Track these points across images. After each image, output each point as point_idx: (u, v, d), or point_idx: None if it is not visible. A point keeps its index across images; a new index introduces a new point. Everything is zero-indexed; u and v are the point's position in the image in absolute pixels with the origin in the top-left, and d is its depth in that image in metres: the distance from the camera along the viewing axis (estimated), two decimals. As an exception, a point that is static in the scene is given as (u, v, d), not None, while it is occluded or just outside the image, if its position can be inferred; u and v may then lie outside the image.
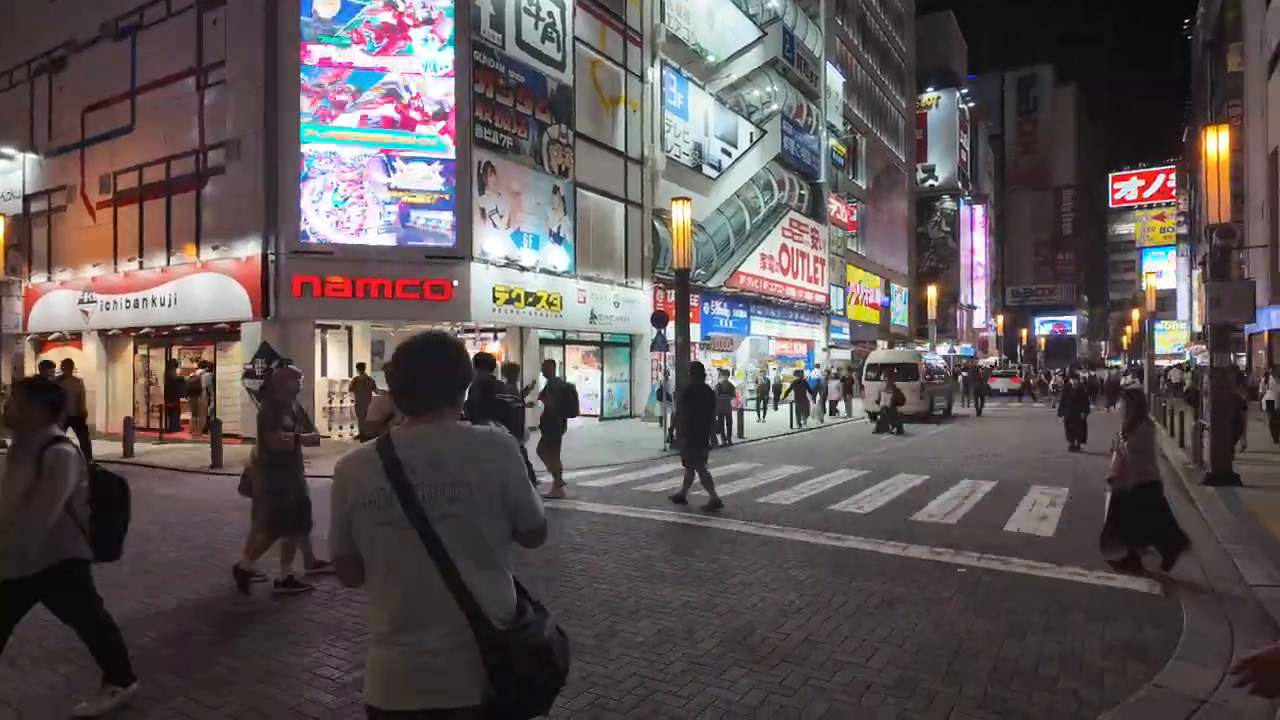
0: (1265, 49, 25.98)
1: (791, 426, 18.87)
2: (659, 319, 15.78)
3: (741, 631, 4.57)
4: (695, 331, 20.09)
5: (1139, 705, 3.53)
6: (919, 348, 34.65)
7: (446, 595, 1.67)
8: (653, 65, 20.95)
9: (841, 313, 35.03)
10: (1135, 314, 47.77)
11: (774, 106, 27.67)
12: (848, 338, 35.81)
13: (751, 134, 26.09)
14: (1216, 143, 10.04)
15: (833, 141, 33.42)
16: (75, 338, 18.01)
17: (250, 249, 14.35)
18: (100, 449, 12.62)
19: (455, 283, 14.77)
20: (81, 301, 17.20)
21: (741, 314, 25.35)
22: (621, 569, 5.98)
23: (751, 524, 7.61)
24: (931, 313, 39.41)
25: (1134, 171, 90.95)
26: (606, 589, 5.45)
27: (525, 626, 1.74)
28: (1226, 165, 10.20)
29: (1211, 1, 41.70)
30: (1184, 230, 62.88)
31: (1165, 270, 67.70)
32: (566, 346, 19.06)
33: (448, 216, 14.85)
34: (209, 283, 14.94)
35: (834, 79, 33.84)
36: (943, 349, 47.06)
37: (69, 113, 18.12)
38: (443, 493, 1.70)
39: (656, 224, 20.88)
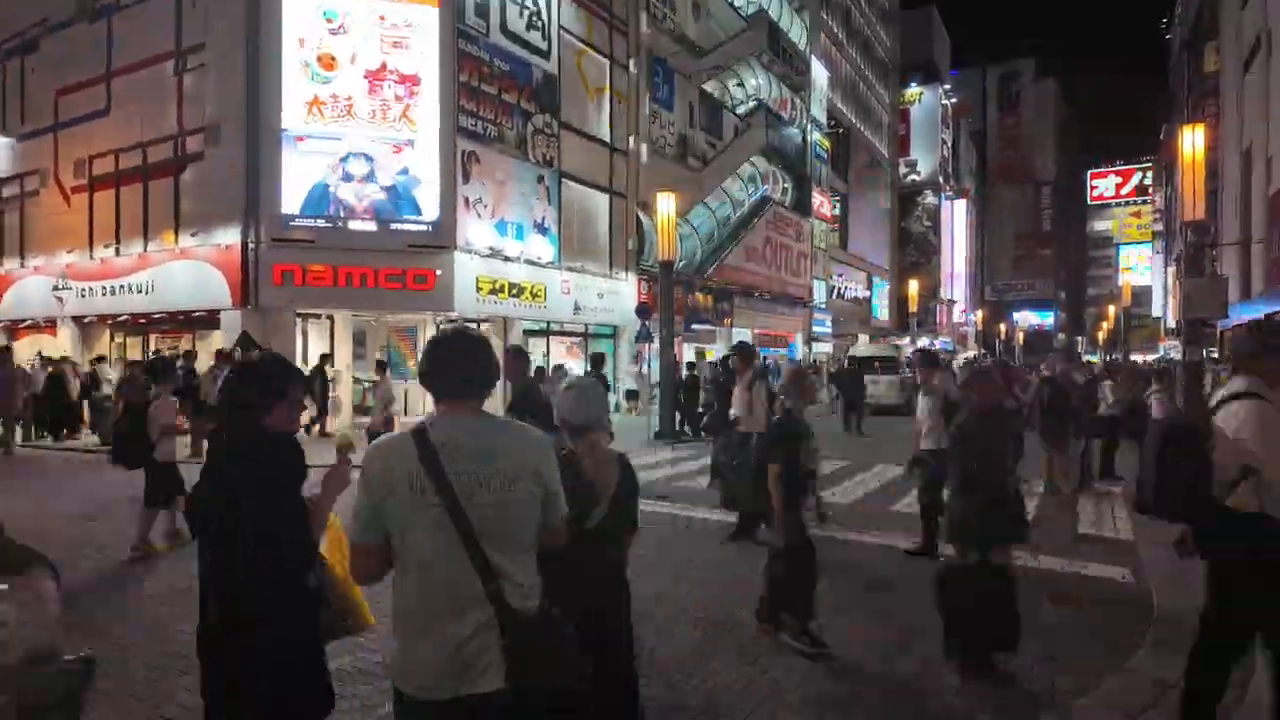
0: (1241, 48, 26.36)
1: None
2: (643, 310, 15.81)
3: (725, 621, 4.63)
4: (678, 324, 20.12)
5: (1112, 690, 3.63)
6: (899, 341, 34.95)
7: (477, 582, 1.71)
8: (638, 55, 20.89)
9: (824, 305, 35.23)
10: (1111, 309, 48.45)
11: (759, 99, 27.70)
12: (829, 331, 36.05)
13: (736, 126, 26.10)
14: (1193, 141, 10.22)
15: (817, 135, 33.52)
16: (50, 325, 17.69)
17: (230, 236, 14.17)
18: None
19: (439, 272, 14.67)
20: (56, 288, 16.88)
21: (725, 306, 25.43)
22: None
23: (733, 514, 7.66)
24: (912, 307, 39.74)
25: (1112, 168, 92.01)
26: (591, 578, 5.48)
27: (545, 613, 1.80)
28: (1202, 163, 10.41)
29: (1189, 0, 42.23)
30: (1159, 227, 63.81)
31: (1141, 265, 68.75)
32: (550, 338, 19.03)
33: (431, 205, 14.74)
34: (188, 270, 14.74)
35: (818, 73, 33.91)
36: (922, 342, 47.45)
37: (42, 95, 17.74)
38: (481, 482, 1.74)
39: (641, 215, 20.85)
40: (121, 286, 15.69)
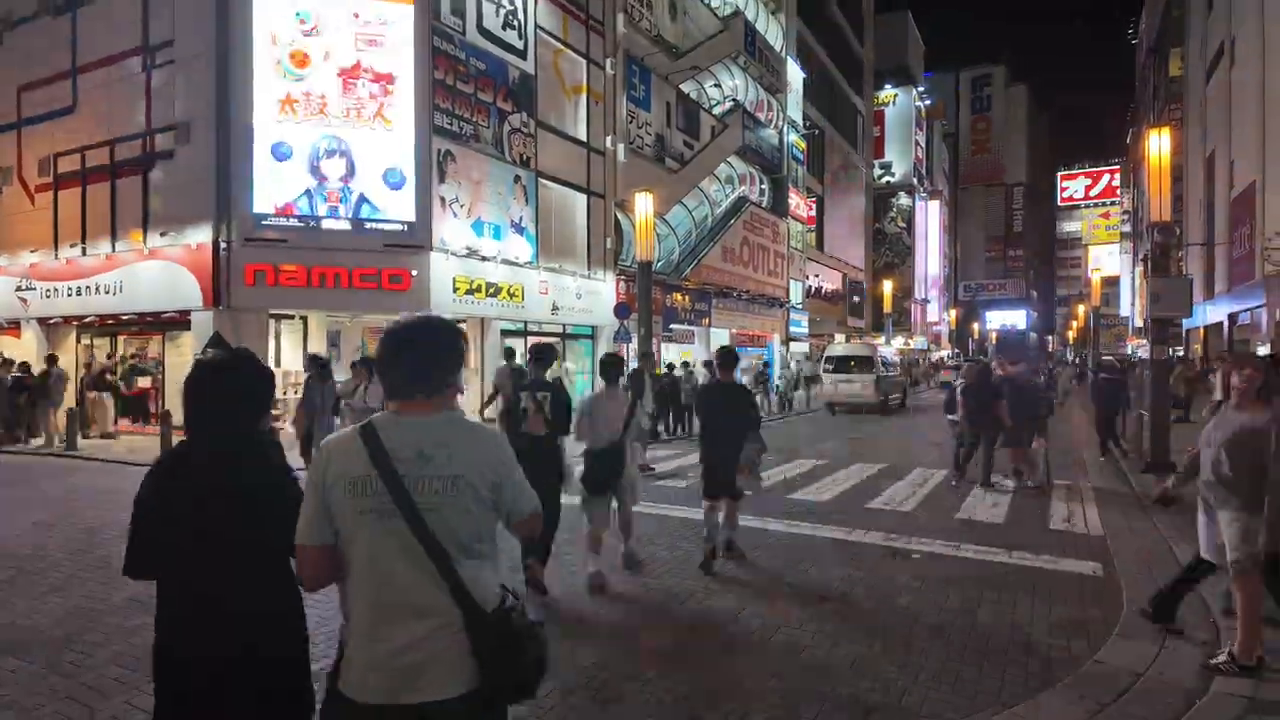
0: (1205, 55, 26.97)
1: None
2: (622, 310, 15.81)
3: (701, 616, 4.64)
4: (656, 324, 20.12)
5: (1082, 680, 3.70)
6: (874, 341, 35.28)
7: (433, 584, 1.65)
8: (615, 55, 20.88)
9: (801, 305, 35.46)
10: (1081, 309, 49.33)
11: (736, 100, 27.82)
12: (806, 331, 36.29)
13: (713, 127, 26.18)
14: (1158, 144, 10.41)
15: (793, 136, 33.73)
16: (13, 326, 17.25)
17: (201, 236, 13.93)
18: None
19: (414, 272, 14.55)
20: (19, 289, 16.49)
21: (703, 306, 25.50)
22: (580, 554, 6.01)
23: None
24: (887, 307, 40.14)
25: (1081, 170, 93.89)
26: (568, 577, 5.48)
27: (509, 610, 1.73)
28: (1167, 166, 10.60)
29: (1155, 5, 43.09)
30: (1127, 228, 65.03)
31: (1109, 266, 69.97)
32: (528, 338, 18.94)
33: (407, 205, 14.61)
34: (157, 270, 14.45)
35: (794, 74, 34.14)
36: (897, 342, 48.02)
37: (4, 91, 17.27)
38: (430, 485, 1.67)
39: (619, 215, 20.84)
40: (88, 287, 15.35)
